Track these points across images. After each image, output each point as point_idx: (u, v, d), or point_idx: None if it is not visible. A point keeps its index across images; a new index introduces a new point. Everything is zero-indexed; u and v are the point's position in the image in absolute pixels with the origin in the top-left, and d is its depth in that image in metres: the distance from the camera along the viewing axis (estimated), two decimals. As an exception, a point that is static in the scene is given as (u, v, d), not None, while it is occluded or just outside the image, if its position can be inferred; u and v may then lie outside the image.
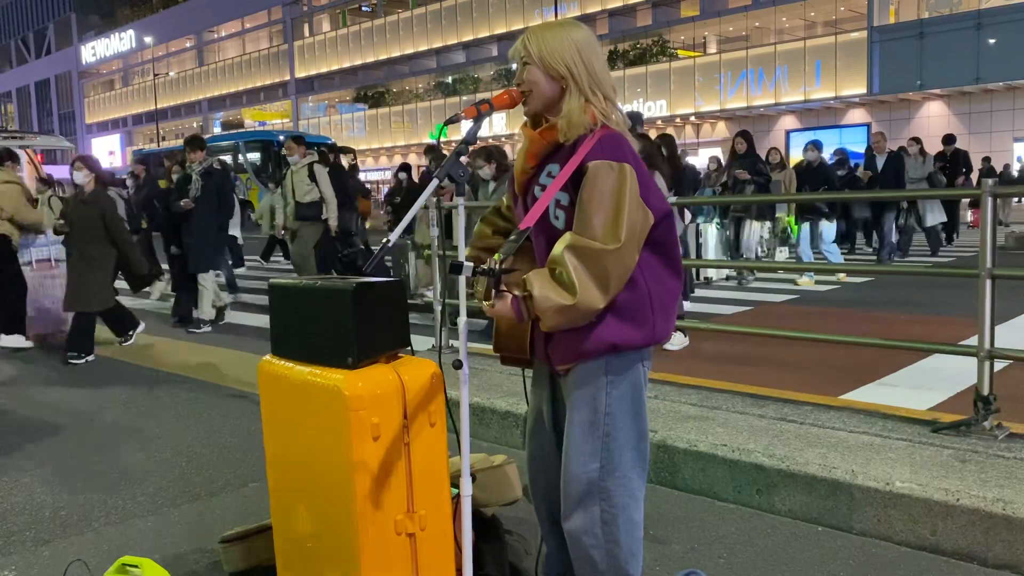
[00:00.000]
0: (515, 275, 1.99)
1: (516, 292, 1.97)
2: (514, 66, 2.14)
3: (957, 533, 2.85)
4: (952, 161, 13.76)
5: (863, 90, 31.95)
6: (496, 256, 1.93)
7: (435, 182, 2.10)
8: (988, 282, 3.46)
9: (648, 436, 2.16)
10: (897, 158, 11.15)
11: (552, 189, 2.01)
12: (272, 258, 14.91)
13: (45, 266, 8.08)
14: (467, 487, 2.12)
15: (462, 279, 2.14)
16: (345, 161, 12.37)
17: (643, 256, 2.01)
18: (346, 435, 2.07)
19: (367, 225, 12.28)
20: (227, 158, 17.87)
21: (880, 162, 11.02)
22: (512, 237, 2.02)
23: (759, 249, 10.61)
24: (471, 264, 1.89)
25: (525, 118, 2.17)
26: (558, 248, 1.95)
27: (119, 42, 66.24)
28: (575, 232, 1.96)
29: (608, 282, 1.94)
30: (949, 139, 14.21)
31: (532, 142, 2.11)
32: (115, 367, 6.56)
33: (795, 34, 35.63)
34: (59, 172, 15.96)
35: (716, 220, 11.01)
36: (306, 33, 53.79)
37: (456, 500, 2.22)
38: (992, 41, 28.47)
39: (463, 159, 2.12)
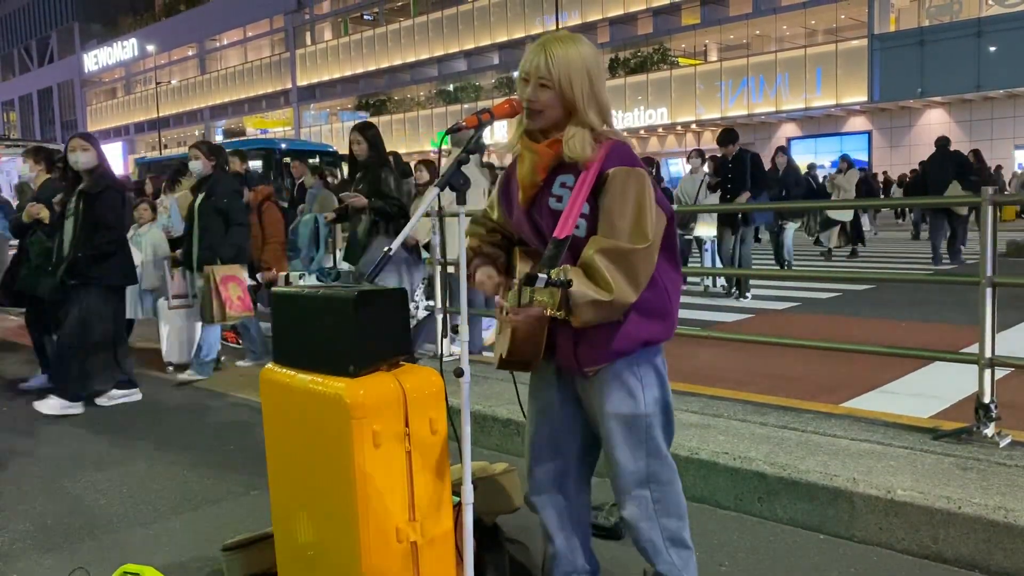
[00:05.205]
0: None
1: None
2: (515, 73, 2.15)
3: (959, 541, 2.85)
4: (735, 167, 9.43)
5: (864, 98, 32.00)
6: (562, 269, 1.96)
7: (435, 191, 2.11)
8: (989, 290, 3.47)
9: (672, 410, 2.28)
10: None
11: (578, 197, 2.06)
12: None
13: None
14: (468, 495, 2.12)
15: (463, 284, 2.16)
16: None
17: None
18: (347, 443, 2.08)
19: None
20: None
21: None
22: (551, 247, 2.07)
23: None
24: (544, 276, 1.94)
25: (524, 131, 2.17)
26: (588, 252, 2.02)
27: (121, 50, 66.46)
28: (602, 235, 2.03)
29: (638, 279, 2.03)
30: (727, 137, 9.58)
31: (541, 155, 2.14)
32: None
33: (796, 42, 35.72)
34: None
35: None
36: (308, 41, 53.94)
37: (457, 508, 2.23)
38: (993, 49, 28.54)
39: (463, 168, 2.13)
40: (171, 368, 6.56)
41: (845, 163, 14.95)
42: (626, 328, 2.11)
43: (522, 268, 2.18)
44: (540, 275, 1.95)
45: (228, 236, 6.01)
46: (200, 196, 6.04)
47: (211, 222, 5.96)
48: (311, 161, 17.75)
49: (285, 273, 6.61)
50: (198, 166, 6.07)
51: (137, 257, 6.37)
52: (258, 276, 6.95)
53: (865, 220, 18.20)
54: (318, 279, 6.31)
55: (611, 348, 2.13)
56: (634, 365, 2.17)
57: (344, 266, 6.11)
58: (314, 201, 9.02)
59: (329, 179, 10.81)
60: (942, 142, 12.60)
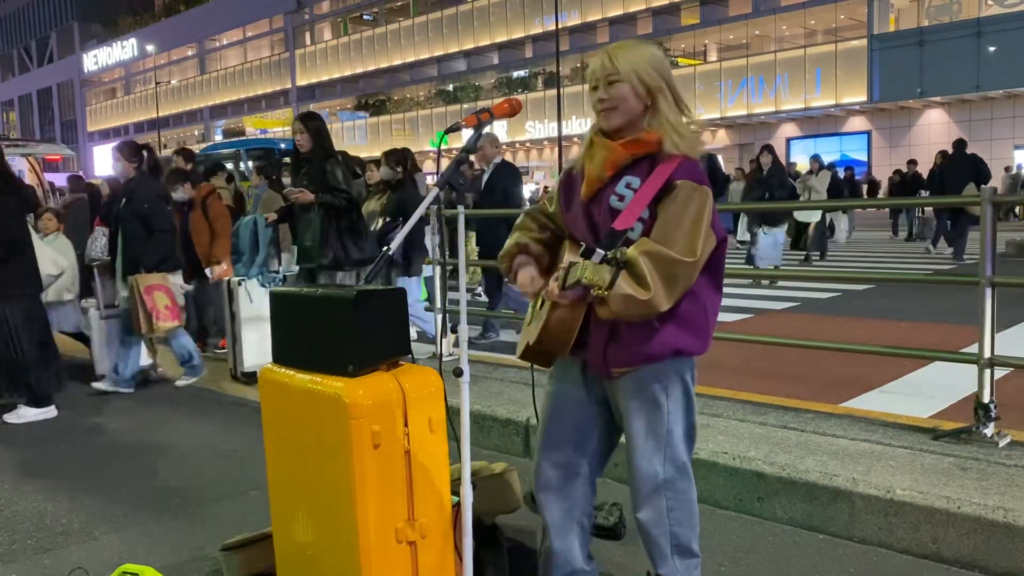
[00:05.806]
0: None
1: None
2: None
3: (958, 541, 2.85)
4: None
5: (863, 98, 32.00)
6: (619, 250, 1.99)
7: (435, 191, 2.12)
8: (988, 290, 3.47)
9: (696, 422, 2.31)
10: (504, 167, 7.30)
11: (642, 198, 2.09)
12: None
13: None
14: (468, 495, 2.12)
15: (463, 283, 2.15)
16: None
17: (700, 274, 2.12)
18: (347, 443, 2.08)
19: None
20: (228, 165, 17.78)
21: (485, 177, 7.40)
22: (607, 236, 2.09)
23: None
24: (602, 252, 1.98)
25: (600, 128, 2.20)
26: (633, 251, 2.03)
27: (121, 50, 66.46)
28: (653, 240, 2.05)
29: (675, 290, 2.05)
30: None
31: (613, 152, 2.15)
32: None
33: (795, 42, 35.71)
34: (60, 180, 16.01)
35: None
36: (307, 41, 53.93)
37: (457, 508, 2.23)
38: (992, 49, 28.54)
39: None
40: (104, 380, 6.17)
41: (815, 164, 14.96)
42: (660, 335, 2.13)
43: (570, 257, 2.18)
44: (598, 250, 1.99)
45: (150, 243, 5.71)
46: (122, 201, 5.79)
47: (133, 228, 5.69)
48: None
49: (228, 278, 6.24)
50: (119, 168, 5.79)
51: (55, 267, 6.15)
52: (207, 272, 6.67)
53: (844, 221, 18.00)
54: (260, 283, 6.01)
55: (642, 351, 2.15)
56: (661, 374, 2.19)
57: (294, 269, 5.83)
58: (258, 203, 8.58)
59: (285, 179, 10.36)
60: (960, 143, 13.26)
